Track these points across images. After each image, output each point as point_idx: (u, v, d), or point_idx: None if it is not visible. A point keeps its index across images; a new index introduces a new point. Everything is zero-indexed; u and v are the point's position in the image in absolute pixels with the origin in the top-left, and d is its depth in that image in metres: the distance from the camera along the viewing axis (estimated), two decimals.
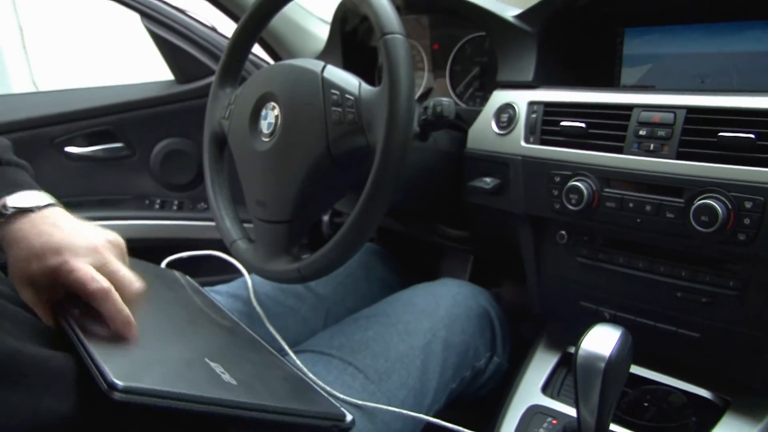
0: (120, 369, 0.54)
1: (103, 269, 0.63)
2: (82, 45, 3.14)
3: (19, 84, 3.34)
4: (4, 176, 0.76)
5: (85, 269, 0.62)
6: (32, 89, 3.39)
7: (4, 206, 0.68)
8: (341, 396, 0.84)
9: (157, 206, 1.74)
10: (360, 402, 0.85)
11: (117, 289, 0.62)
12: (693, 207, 0.80)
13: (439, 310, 1.03)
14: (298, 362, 0.87)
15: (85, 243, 0.65)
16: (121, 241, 0.70)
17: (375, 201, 0.80)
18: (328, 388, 0.84)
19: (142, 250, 1.65)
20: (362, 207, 0.80)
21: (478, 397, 1.13)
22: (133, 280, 0.65)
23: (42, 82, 3.37)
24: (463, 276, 1.61)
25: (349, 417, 0.74)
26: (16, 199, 0.69)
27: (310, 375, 0.85)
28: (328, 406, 0.76)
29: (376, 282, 1.27)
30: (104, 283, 0.61)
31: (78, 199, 1.65)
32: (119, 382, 0.52)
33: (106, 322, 0.61)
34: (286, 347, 0.92)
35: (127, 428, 0.58)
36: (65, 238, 0.65)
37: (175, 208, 1.72)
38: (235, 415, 0.60)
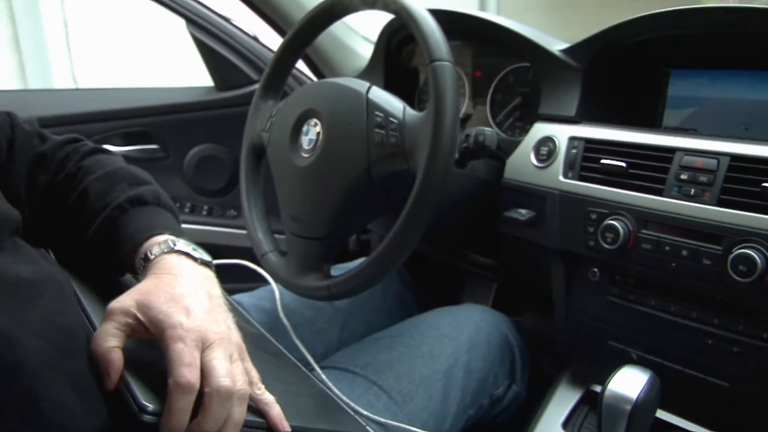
0: (150, 391, 0.55)
1: (208, 362, 0.57)
2: (124, 45, 3.20)
3: (59, 79, 3.40)
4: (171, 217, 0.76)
5: (190, 348, 0.56)
6: (72, 85, 3.44)
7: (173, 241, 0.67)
8: (366, 413, 0.84)
9: (187, 210, 1.76)
10: (383, 420, 0.85)
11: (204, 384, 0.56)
12: (731, 255, 0.79)
13: (461, 335, 1.03)
14: (324, 377, 0.88)
15: (216, 327, 0.60)
16: (242, 345, 0.63)
17: (412, 225, 0.80)
18: (354, 405, 0.84)
19: None
20: (399, 230, 0.81)
21: (494, 426, 1.12)
22: (223, 397, 0.56)
23: (82, 78, 3.43)
24: (485, 302, 1.61)
25: None
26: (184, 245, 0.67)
27: (336, 392, 0.85)
28: (353, 426, 0.76)
29: (392, 298, 1.28)
30: (194, 378, 0.54)
31: None
32: (150, 405, 0.53)
33: (169, 413, 0.54)
34: (313, 363, 0.92)
35: None
36: (202, 308, 0.60)
37: (204, 213, 1.73)
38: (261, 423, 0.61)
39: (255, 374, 0.62)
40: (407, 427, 0.86)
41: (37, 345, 0.50)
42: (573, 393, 1.07)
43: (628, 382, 0.79)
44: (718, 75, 1.00)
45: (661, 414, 0.95)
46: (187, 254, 0.66)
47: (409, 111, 0.86)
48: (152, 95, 1.72)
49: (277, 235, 1.02)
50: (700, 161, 0.86)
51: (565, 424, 1.01)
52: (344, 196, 0.88)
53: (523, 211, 1.03)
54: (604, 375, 0.81)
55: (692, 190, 0.85)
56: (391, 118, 0.86)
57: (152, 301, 0.58)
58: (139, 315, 0.57)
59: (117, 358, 0.55)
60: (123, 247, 0.69)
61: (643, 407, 0.77)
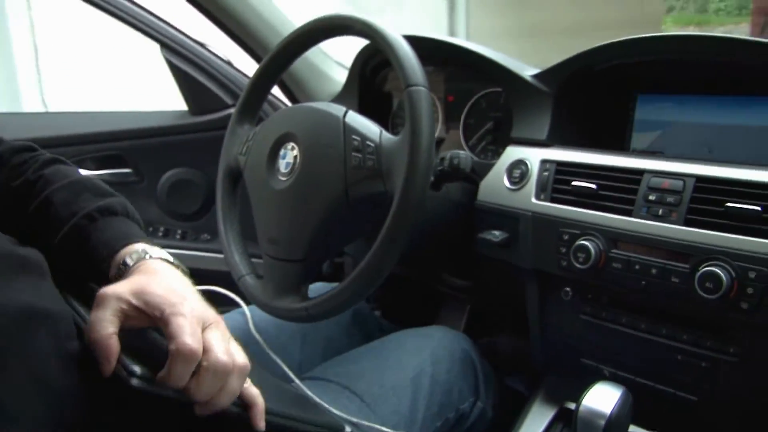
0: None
1: (208, 339, 0.59)
2: (96, 69, 3.18)
3: (29, 102, 3.36)
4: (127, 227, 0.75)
5: (192, 323, 0.58)
6: (42, 109, 3.41)
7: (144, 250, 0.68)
8: (340, 414, 0.86)
9: (160, 234, 1.75)
10: (356, 420, 0.88)
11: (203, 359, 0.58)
12: (698, 273, 0.82)
13: (425, 350, 1.07)
14: (303, 386, 0.89)
15: (212, 312, 0.63)
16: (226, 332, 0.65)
17: (390, 247, 0.81)
18: (329, 407, 0.87)
19: None
20: (377, 251, 0.82)
21: None
22: (219, 372, 0.59)
23: (52, 103, 3.40)
24: (458, 323, 1.62)
25: (348, 428, 0.79)
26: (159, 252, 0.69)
27: (312, 395, 0.88)
28: (329, 419, 0.79)
29: (352, 315, 1.29)
30: (197, 346, 0.57)
31: None
32: (138, 369, 0.55)
33: (168, 374, 0.56)
34: (291, 373, 0.93)
35: (136, 415, 0.60)
36: (196, 297, 0.63)
37: (178, 237, 1.72)
38: (238, 413, 0.63)
39: None
40: (377, 426, 0.89)
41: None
42: (547, 410, 1.09)
43: (602, 398, 0.81)
44: (683, 100, 1.04)
45: (633, 429, 0.97)
46: (166, 260, 0.68)
47: (386, 135, 0.88)
48: (125, 119, 1.72)
49: (253, 259, 1.03)
50: (667, 182, 0.89)
51: None
52: (322, 217, 0.89)
53: (496, 232, 1.05)
54: (578, 392, 0.82)
55: (660, 210, 0.88)
56: (368, 142, 0.87)
57: (147, 288, 0.60)
58: (133, 301, 0.58)
59: (115, 344, 0.56)
60: (96, 255, 0.69)
61: (616, 422, 0.78)
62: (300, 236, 0.91)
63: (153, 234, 1.75)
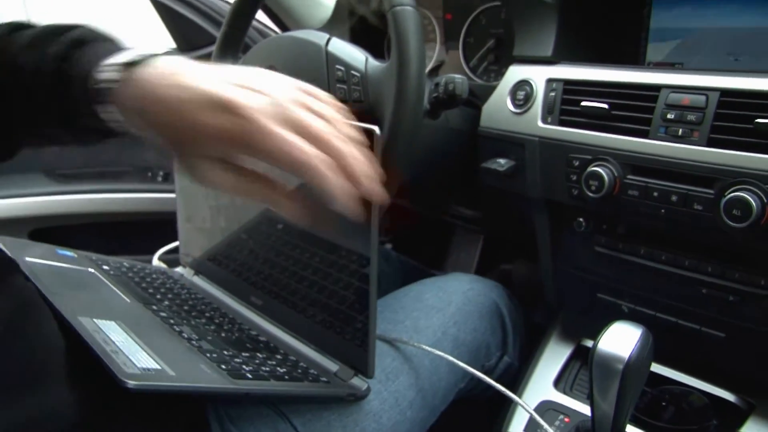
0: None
1: (302, 128, 0.54)
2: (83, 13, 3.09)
3: None
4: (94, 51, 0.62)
5: (282, 132, 0.53)
6: None
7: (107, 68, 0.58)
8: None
9: (159, 178, 1.70)
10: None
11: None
12: (724, 199, 0.74)
13: (449, 307, 0.97)
14: None
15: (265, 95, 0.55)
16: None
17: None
18: None
19: (141, 225, 1.63)
20: None
21: (486, 397, 1.07)
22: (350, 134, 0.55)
23: None
24: (473, 254, 1.57)
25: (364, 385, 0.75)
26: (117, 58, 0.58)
27: None
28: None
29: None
30: (311, 148, 0.52)
31: (75, 171, 1.61)
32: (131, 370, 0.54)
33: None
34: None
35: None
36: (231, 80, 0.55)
37: None
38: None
39: None
40: None
41: None
42: (564, 348, 1.03)
43: (619, 340, 0.74)
44: (702, 2, 0.93)
45: (654, 367, 0.91)
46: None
47: (372, 62, 0.80)
48: None
49: None
50: (687, 98, 0.79)
51: (556, 383, 0.97)
52: None
53: (502, 161, 0.97)
54: (596, 329, 0.76)
55: (680, 131, 0.79)
56: (353, 71, 0.80)
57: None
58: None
59: None
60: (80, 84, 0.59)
61: (635, 366, 0.72)
62: None
63: (153, 179, 1.70)
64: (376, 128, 0.61)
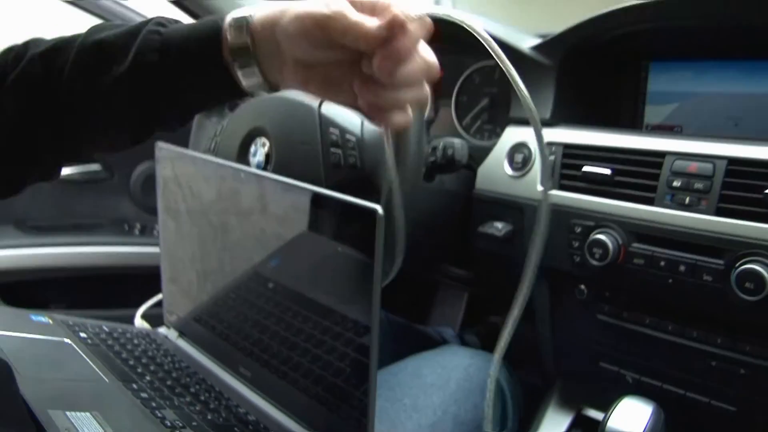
0: None
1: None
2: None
3: None
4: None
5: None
6: None
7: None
8: None
9: (137, 231, 1.64)
10: None
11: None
12: (736, 271, 0.71)
13: (449, 384, 0.92)
14: None
15: None
16: None
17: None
18: None
19: (119, 278, 1.57)
20: None
21: None
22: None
23: None
24: (458, 308, 1.53)
25: None
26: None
27: None
28: None
29: None
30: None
31: (50, 223, 1.55)
32: None
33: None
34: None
35: None
36: None
37: (156, 233, 1.61)
38: None
39: None
40: None
41: None
42: (563, 417, 0.98)
43: (630, 418, 0.71)
44: (702, 67, 0.92)
45: None
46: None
47: (368, 126, 0.77)
48: None
49: None
50: (693, 165, 0.77)
51: None
52: None
53: (499, 225, 0.94)
54: (598, 398, 0.72)
55: (687, 199, 0.77)
56: (348, 135, 0.77)
57: None
58: None
59: None
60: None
61: None
62: None
63: (130, 232, 1.64)
64: (378, 207, 0.57)
